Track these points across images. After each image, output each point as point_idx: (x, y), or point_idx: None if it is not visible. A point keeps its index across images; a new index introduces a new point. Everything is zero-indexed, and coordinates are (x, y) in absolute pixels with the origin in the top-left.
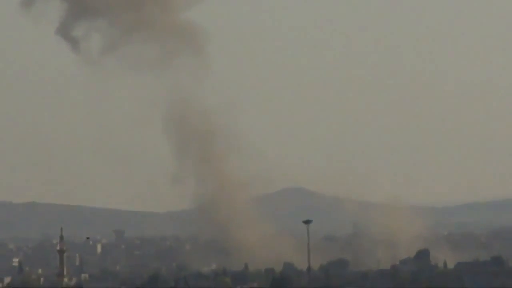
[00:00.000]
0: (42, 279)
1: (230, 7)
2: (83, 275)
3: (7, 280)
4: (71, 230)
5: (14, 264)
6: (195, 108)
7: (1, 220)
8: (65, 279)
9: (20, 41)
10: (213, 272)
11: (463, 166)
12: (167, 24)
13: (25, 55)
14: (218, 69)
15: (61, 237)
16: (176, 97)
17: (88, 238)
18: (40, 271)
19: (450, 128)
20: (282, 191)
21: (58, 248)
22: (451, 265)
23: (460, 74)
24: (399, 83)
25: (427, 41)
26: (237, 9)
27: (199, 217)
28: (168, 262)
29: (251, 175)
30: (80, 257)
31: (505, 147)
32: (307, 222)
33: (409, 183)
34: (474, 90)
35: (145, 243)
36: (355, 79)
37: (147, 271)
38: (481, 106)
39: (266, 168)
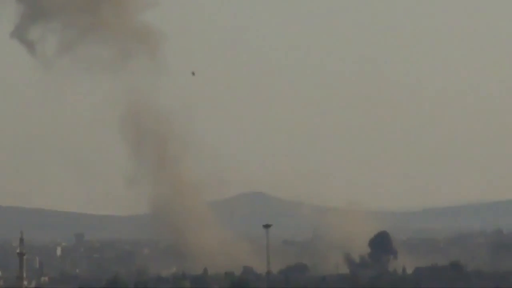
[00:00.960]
0: (1, 281)
1: (187, 9)
2: (42, 278)
3: None
4: (31, 233)
5: None
6: (151, 109)
7: None
8: (25, 282)
9: None
10: (172, 276)
11: (422, 172)
12: (123, 26)
13: None
14: (174, 71)
15: (21, 240)
16: (132, 98)
17: None
18: None
19: (410, 134)
20: (241, 196)
21: (17, 251)
22: (409, 270)
23: (418, 80)
24: (358, 87)
25: (386, 45)
26: (194, 11)
27: (156, 221)
28: (128, 265)
29: (208, 178)
30: (40, 260)
31: (464, 152)
32: (266, 226)
33: (368, 188)
34: (434, 95)
35: (104, 246)
36: (315, 82)
37: (107, 275)
38: (440, 111)
39: (224, 172)
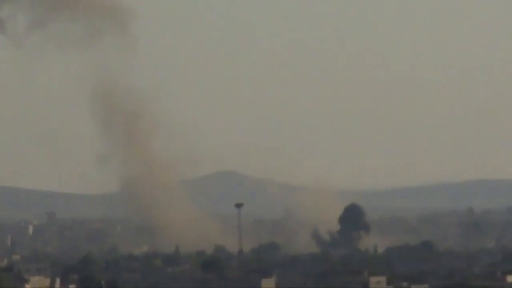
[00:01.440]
0: None
1: None
2: (14, 256)
3: None
4: (2, 211)
5: None
6: (121, 87)
7: None
8: None
9: None
10: (144, 254)
11: (394, 151)
12: (93, 3)
13: None
14: (146, 50)
15: None
16: (102, 75)
17: None
18: None
19: (381, 113)
20: (214, 174)
21: None
22: (381, 250)
23: (390, 61)
24: (328, 66)
25: (362, 32)
26: None
27: (127, 200)
28: (99, 244)
29: (179, 156)
30: (12, 238)
31: (435, 132)
32: (238, 205)
33: (339, 167)
34: (404, 75)
35: (76, 224)
36: (286, 60)
37: (78, 253)
38: (412, 90)
39: (196, 150)
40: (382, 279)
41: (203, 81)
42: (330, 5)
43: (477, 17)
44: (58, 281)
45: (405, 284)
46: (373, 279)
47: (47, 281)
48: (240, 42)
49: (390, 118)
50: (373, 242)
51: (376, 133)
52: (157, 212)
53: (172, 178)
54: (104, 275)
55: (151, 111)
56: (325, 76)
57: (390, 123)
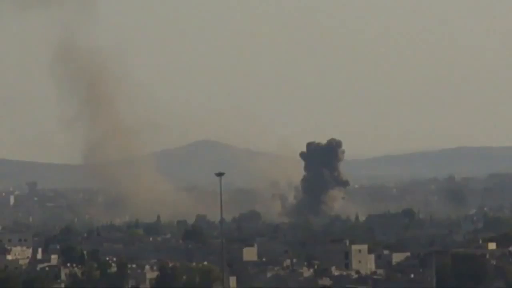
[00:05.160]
0: None
1: None
2: None
3: None
4: None
5: None
6: (83, 47)
7: None
8: None
9: None
10: (125, 224)
11: (374, 120)
12: None
13: None
14: (108, 9)
15: None
16: (64, 35)
17: None
18: None
19: (363, 82)
20: (195, 144)
21: None
22: (362, 218)
23: (361, 18)
24: (297, 32)
25: None
26: None
27: (98, 171)
28: (81, 214)
29: (143, 125)
30: None
31: (416, 99)
32: (219, 174)
33: (320, 136)
34: (386, 43)
35: (58, 195)
36: (254, 27)
37: (60, 223)
38: (391, 55)
39: (175, 119)
40: (364, 247)
41: (177, 44)
42: None
43: None
44: (40, 251)
45: (386, 252)
46: (354, 247)
47: (28, 252)
48: (210, 3)
49: (372, 87)
50: (354, 210)
51: (358, 102)
52: (138, 183)
53: (148, 148)
54: (85, 245)
55: (115, 72)
56: (297, 42)
57: (372, 92)
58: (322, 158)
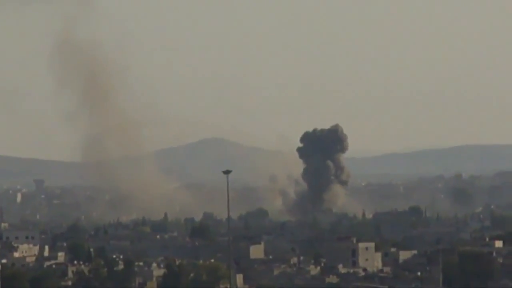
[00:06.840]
0: None
1: None
2: (3, 224)
3: None
4: None
5: None
6: (83, 40)
7: None
8: None
9: None
10: (132, 221)
11: (382, 117)
12: None
13: None
14: (110, 3)
15: None
16: (63, 28)
17: None
18: None
19: (369, 80)
20: (202, 141)
21: None
22: (369, 215)
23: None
24: (292, 27)
25: None
26: None
27: (104, 169)
28: (88, 211)
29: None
30: (0, 206)
31: (422, 99)
32: (226, 172)
33: None
34: (392, 40)
35: (65, 192)
36: (258, 22)
37: (67, 221)
38: (399, 57)
39: (184, 118)
40: (371, 245)
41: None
42: None
43: None
44: (47, 248)
45: (393, 249)
46: (361, 245)
47: (36, 249)
48: None
49: (378, 84)
50: (361, 208)
51: (365, 100)
52: (144, 180)
53: (156, 146)
54: (92, 243)
55: (114, 65)
56: (294, 36)
57: (379, 90)
58: (324, 149)
